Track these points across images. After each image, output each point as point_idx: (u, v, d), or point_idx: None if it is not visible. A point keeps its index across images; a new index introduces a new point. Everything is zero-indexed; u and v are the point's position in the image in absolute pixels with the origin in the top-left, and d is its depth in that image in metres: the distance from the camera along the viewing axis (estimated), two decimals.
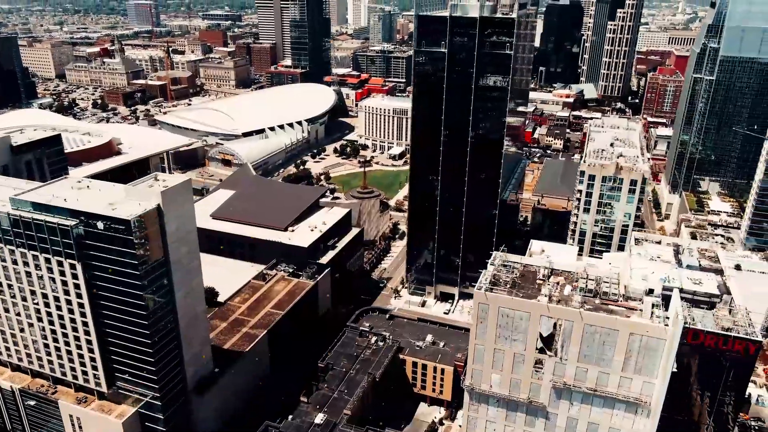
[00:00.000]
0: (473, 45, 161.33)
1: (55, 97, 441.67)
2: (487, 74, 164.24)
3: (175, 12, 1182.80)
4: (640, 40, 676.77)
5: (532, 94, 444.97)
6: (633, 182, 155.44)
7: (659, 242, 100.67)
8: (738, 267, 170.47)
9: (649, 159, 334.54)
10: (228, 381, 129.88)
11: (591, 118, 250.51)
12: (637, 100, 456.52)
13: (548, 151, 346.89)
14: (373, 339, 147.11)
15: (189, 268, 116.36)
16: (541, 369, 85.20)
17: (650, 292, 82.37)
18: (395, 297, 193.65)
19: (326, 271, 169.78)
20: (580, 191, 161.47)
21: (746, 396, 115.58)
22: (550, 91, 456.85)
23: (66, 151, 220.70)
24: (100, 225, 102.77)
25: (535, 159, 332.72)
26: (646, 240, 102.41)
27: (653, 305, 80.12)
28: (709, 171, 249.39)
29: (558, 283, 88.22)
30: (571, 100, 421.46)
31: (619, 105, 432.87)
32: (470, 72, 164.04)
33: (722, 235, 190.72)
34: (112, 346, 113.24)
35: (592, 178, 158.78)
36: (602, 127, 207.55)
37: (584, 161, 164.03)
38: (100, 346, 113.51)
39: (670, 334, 74.93)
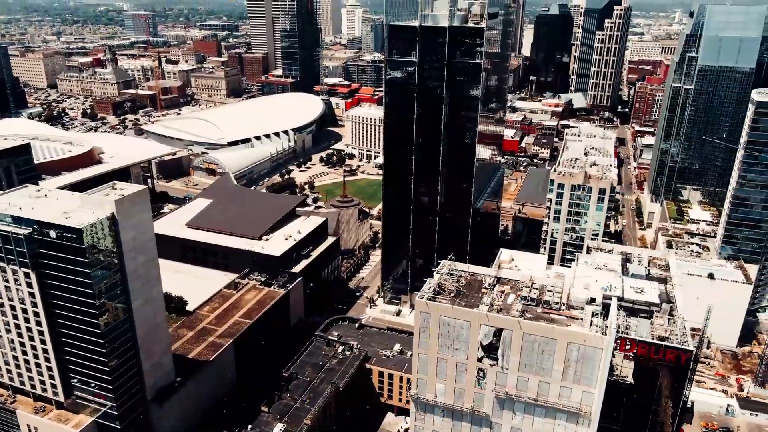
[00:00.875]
0: (443, 54, 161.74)
1: (45, 106, 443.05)
2: (457, 83, 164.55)
3: (173, 22, 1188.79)
4: (634, 49, 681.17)
5: (521, 104, 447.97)
6: (602, 191, 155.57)
7: (611, 251, 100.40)
8: (711, 276, 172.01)
9: (635, 168, 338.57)
10: (190, 390, 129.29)
11: (574, 127, 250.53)
12: (627, 110, 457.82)
13: (535, 160, 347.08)
14: (340, 348, 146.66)
15: (147, 277, 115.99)
16: (483, 378, 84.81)
17: (592, 301, 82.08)
18: (371, 306, 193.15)
19: (298, 280, 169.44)
20: (550, 200, 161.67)
21: (689, 405, 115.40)
22: (540, 101, 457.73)
23: (45, 161, 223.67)
24: (52, 234, 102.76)
25: (521, 168, 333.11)
26: (599, 249, 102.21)
27: (593, 314, 79.88)
28: (690, 180, 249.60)
29: (503, 292, 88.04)
30: (559, 109, 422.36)
31: (607, 114, 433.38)
32: (441, 81, 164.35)
33: (698, 244, 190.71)
34: (68, 356, 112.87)
35: (561, 186, 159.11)
36: (578, 136, 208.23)
37: (554, 170, 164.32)
38: (56, 356, 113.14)
39: (605, 343, 74.62)
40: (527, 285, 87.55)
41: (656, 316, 77.58)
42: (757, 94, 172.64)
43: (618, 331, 72.36)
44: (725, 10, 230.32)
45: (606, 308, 79.82)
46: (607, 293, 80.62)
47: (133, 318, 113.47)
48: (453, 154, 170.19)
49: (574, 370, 78.97)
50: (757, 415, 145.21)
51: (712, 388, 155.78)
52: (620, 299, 79.73)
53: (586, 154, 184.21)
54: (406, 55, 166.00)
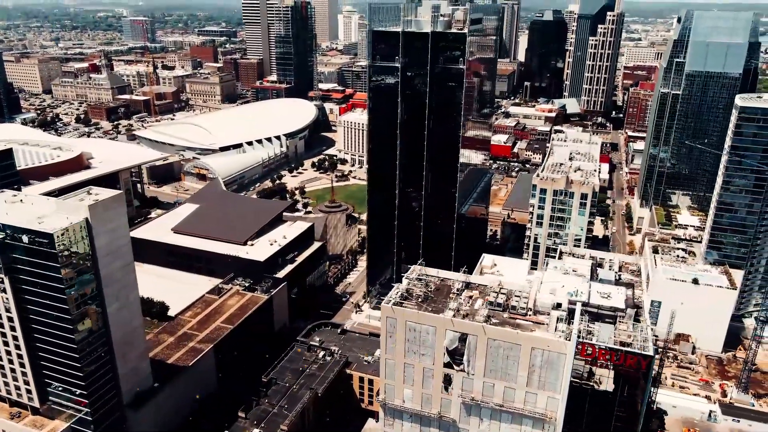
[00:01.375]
0: (426, 59, 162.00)
1: (39, 111, 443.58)
2: (441, 88, 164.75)
3: (172, 28, 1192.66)
4: (630, 54, 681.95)
5: (514, 109, 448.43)
6: (584, 196, 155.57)
7: (583, 256, 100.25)
8: (695, 281, 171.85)
9: (627, 173, 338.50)
10: (168, 395, 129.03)
11: (559, 131, 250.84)
12: (621, 115, 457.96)
13: (527, 165, 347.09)
14: (321, 354, 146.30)
15: (123, 282, 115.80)
16: (450, 384, 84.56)
17: (558, 306, 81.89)
18: (356, 312, 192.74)
19: (282, 285, 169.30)
20: (533, 205, 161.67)
21: (657, 410, 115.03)
22: (534, 106, 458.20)
23: (32, 166, 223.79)
24: (25, 239, 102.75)
25: (513, 173, 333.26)
26: (571, 254, 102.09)
27: (558, 319, 79.70)
28: (679, 185, 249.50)
29: (471, 297, 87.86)
30: (553, 114, 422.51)
31: (599, 119, 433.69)
32: (424, 86, 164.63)
33: (683, 249, 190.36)
34: (43, 361, 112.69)
35: (543, 191, 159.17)
36: (565, 141, 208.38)
37: (537, 175, 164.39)
38: (31, 361, 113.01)
39: (568, 349, 74.43)
40: (495, 290, 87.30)
41: (620, 322, 77.32)
42: (741, 100, 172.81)
43: (580, 336, 72.14)
44: (712, 15, 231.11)
45: (572, 313, 79.58)
46: (573, 298, 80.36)
47: (109, 323, 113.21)
48: (437, 159, 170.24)
49: (539, 376, 78.75)
50: (739, 420, 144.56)
51: (695, 394, 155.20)
52: (585, 304, 79.49)
53: (571, 159, 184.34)
54: (389, 61, 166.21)
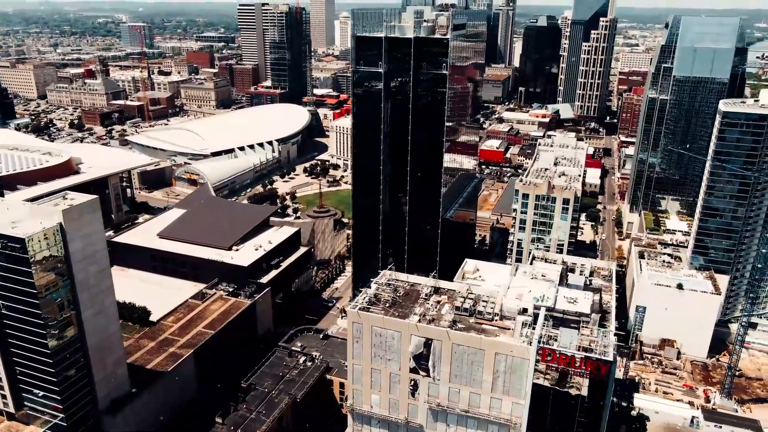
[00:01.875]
0: (409, 65, 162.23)
1: (33, 117, 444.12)
2: (424, 93, 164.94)
3: (170, 34, 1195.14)
4: (625, 60, 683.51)
5: (508, 114, 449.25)
6: (566, 201, 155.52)
7: (555, 261, 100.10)
8: (680, 286, 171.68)
9: (618, 178, 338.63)
10: (146, 401, 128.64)
11: (539, 136, 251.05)
12: (616, 120, 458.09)
13: (519, 171, 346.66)
14: (302, 359, 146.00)
15: (99, 288, 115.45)
16: (416, 389, 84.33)
17: (524, 311, 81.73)
18: (342, 317, 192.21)
19: (266, 290, 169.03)
20: (515, 210, 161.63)
21: (639, 416, 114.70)
22: (528, 111, 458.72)
23: (20, 171, 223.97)
24: None
25: (505, 179, 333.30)
26: (544, 259, 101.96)
27: (524, 324, 79.53)
28: (669, 190, 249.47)
29: (438, 302, 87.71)
30: (546, 120, 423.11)
31: (593, 125, 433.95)
32: (408, 91, 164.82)
33: (669, 254, 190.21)
34: (18, 366, 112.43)
35: (526, 197, 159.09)
36: (551, 146, 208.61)
37: (519, 180, 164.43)
38: (5, 367, 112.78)
39: (531, 354, 74.23)
40: (463, 295, 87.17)
41: (584, 327, 77.14)
42: (724, 105, 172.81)
43: (542, 342, 71.94)
44: (699, 21, 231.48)
45: (537, 319, 79.39)
46: (538, 303, 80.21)
47: (84, 328, 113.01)
48: (421, 164, 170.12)
49: (503, 381, 78.52)
50: (721, 426, 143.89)
51: (678, 400, 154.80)
52: (551, 309, 79.33)
53: (556, 164, 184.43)
54: (373, 66, 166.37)
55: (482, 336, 78.18)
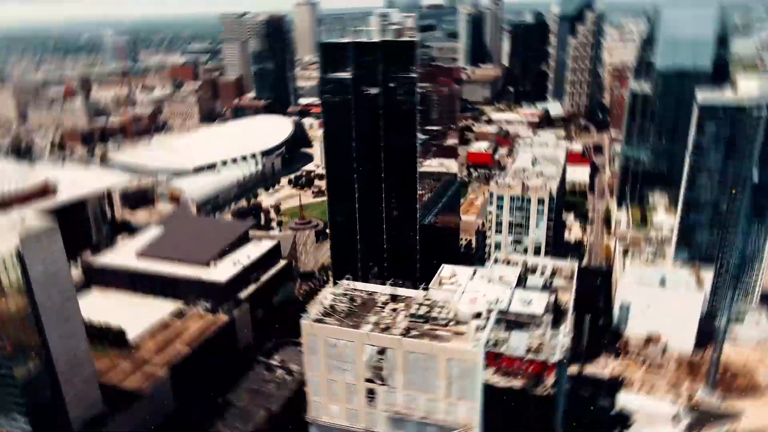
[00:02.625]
0: (378, 70, 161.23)
1: (12, 139, 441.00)
2: (394, 97, 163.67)
3: (156, 48, 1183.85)
4: (619, 54, 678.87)
5: (496, 115, 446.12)
6: (540, 201, 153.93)
7: (517, 263, 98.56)
8: (662, 282, 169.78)
9: (608, 175, 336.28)
10: (121, 421, 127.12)
11: (519, 137, 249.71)
12: (607, 116, 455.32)
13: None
14: (279, 372, 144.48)
15: (63, 310, 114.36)
16: (374, 398, 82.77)
17: (478, 315, 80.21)
18: None
19: (244, 305, 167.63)
20: (490, 212, 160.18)
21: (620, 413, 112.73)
22: (517, 111, 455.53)
23: None
24: None
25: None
26: (507, 261, 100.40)
27: (477, 329, 78.00)
28: (656, 184, 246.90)
29: (395, 310, 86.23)
30: (536, 119, 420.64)
31: (582, 122, 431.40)
32: (377, 95, 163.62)
33: (653, 251, 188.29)
34: None
35: (501, 198, 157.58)
36: (531, 145, 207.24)
37: (495, 182, 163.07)
38: None
39: (480, 358, 72.67)
40: (419, 302, 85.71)
41: (535, 328, 75.55)
42: (701, 96, 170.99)
43: (490, 344, 70.37)
44: (679, 11, 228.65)
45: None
46: (491, 307, 78.69)
47: (51, 352, 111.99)
48: (395, 170, 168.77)
49: (457, 386, 76.93)
50: (704, 422, 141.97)
51: (662, 396, 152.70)
52: (504, 312, 77.79)
53: (533, 163, 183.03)
54: (341, 72, 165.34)
55: (434, 342, 76.64)
